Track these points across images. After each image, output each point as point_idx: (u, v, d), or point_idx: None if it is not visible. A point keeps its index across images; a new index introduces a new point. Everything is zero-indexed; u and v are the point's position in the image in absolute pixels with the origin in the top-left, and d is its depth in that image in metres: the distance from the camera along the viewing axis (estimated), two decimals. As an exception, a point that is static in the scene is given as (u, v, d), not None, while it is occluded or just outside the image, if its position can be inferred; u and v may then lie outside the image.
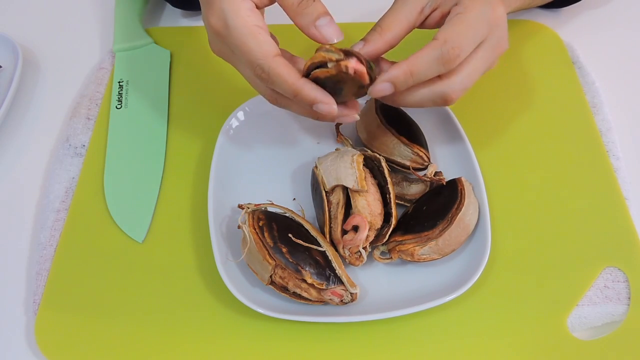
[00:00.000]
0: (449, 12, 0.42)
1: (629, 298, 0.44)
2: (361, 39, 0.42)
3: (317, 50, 0.39)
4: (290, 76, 0.39)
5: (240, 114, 0.53)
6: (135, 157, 0.53)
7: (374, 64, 0.41)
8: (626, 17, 0.63)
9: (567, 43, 0.59)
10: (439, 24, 0.42)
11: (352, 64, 0.38)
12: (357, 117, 0.42)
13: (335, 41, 0.39)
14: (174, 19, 0.66)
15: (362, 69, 0.38)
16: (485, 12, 0.41)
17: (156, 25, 0.66)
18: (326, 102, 0.39)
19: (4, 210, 0.52)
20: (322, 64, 0.38)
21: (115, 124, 0.55)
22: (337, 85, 0.39)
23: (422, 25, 0.43)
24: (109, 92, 0.58)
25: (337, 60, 0.38)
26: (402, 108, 0.50)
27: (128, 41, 0.61)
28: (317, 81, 0.39)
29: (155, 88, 0.58)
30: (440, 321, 0.43)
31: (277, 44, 0.42)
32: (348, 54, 0.38)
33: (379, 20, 0.42)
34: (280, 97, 0.42)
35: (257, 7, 0.41)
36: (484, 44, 0.41)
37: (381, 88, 0.40)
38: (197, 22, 0.62)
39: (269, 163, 0.51)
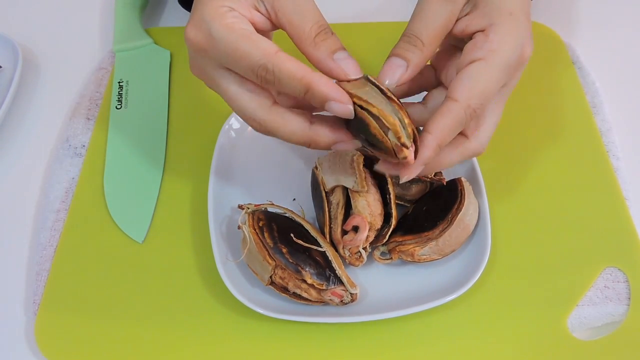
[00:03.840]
0: (472, 33, 0.36)
1: (629, 298, 0.44)
2: (395, 54, 0.36)
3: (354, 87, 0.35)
4: (299, 69, 0.34)
5: (240, 114, 0.53)
6: (135, 157, 0.53)
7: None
8: (626, 17, 0.63)
9: (567, 43, 0.59)
10: (459, 35, 0.37)
11: (411, 156, 0.34)
12: (358, 145, 0.37)
13: (355, 77, 0.36)
14: (174, 19, 0.66)
15: (412, 155, 0.34)
16: (511, 58, 0.36)
17: (156, 25, 0.65)
18: (341, 100, 0.34)
19: (4, 210, 0.52)
20: (379, 122, 0.34)
21: (115, 124, 0.55)
22: (371, 144, 0.35)
23: None
24: (109, 92, 0.58)
25: (401, 143, 0.34)
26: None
27: (128, 41, 0.61)
28: (360, 124, 0.35)
29: (155, 88, 0.58)
30: (440, 321, 0.43)
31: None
32: (415, 140, 0.34)
33: (413, 29, 0.36)
34: (269, 122, 0.37)
35: (256, 28, 0.36)
36: (506, 87, 0.38)
37: (415, 172, 0.36)
38: (197, 22, 0.62)
39: (269, 163, 0.51)
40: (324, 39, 0.36)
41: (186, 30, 0.36)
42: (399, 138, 0.34)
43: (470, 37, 0.37)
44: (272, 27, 0.37)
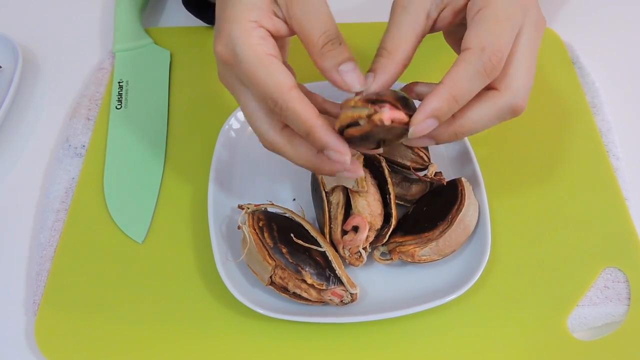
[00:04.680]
0: (463, 8, 0.36)
1: (629, 298, 0.44)
2: (369, 71, 0.37)
3: (341, 107, 0.35)
4: (304, 112, 0.35)
5: (240, 114, 0.52)
6: (135, 157, 0.53)
7: (406, 92, 0.37)
8: (626, 17, 0.63)
9: (567, 43, 0.59)
10: (453, 23, 0.38)
11: (387, 115, 0.33)
12: (362, 174, 0.39)
13: (358, 90, 0.36)
14: (174, 19, 0.66)
15: (400, 115, 0.33)
16: None
17: (156, 25, 0.65)
18: (339, 151, 0.35)
19: (4, 210, 0.52)
20: (354, 123, 0.34)
21: (115, 124, 0.55)
22: (376, 137, 0.36)
23: (431, 29, 0.38)
24: (109, 92, 0.58)
25: (369, 116, 0.34)
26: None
27: (128, 41, 0.61)
28: (353, 140, 0.35)
29: (155, 88, 0.58)
30: (440, 321, 0.43)
31: (294, 75, 0.38)
32: (377, 102, 0.34)
33: (381, 42, 0.37)
34: (277, 143, 0.38)
35: (273, 36, 0.37)
36: (524, 29, 0.36)
37: (425, 127, 0.34)
38: (197, 22, 0.62)
39: (269, 163, 0.51)
40: (330, 49, 0.36)
41: (214, 42, 0.37)
42: (359, 117, 0.34)
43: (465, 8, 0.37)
44: (290, 32, 0.38)
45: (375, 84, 0.36)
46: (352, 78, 0.36)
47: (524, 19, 0.36)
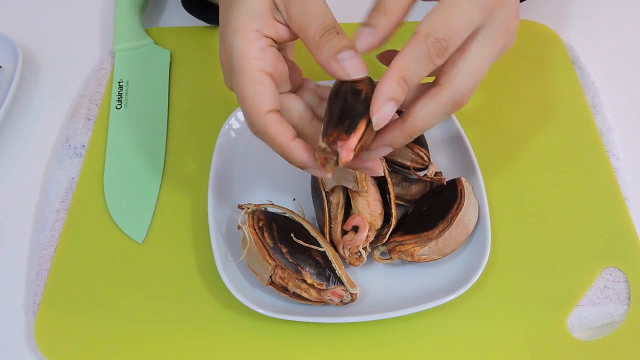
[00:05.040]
0: None
1: (629, 298, 0.44)
2: (364, 24, 0.36)
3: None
4: (278, 137, 0.36)
5: (240, 114, 0.53)
6: (135, 157, 0.53)
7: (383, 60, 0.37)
8: (626, 17, 0.63)
9: (567, 43, 0.59)
10: None
11: (344, 155, 0.34)
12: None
13: (360, 76, 0.35)
14: (174, 19, 0.66)
15: (353, 143, 0.34)
16: None
17: (156, 25, 0.66)
18: (316, 168, 0.37)
19: (4, 210, 0.52)
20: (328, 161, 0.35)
21: (115, 124, 0.55)
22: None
23: None
24: (109, 92, 0.58)
25: (335, 161, 0.34)
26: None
27: (128, 41, 0.61)
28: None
29: (155, 88, 0.58)
30: (440, 321, 0.43)
31: (300, 73, 0.38)
32: (334, 141, 0.34)
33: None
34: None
35: (277, 42, 0.37)
36: (483, 28, 0.36)
37: (386, 112, 0.34)
38: (197, 22, 0.62)
39: (269, 163, 0.51)
40: (327, 39, 0.35)
41: (220, 50, 0.38)
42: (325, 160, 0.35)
43: None
44: (292, 35, 0.37)
45: (376, 39, 0.35)
46: (350, 65, 0.35)
47: (486, 18, 0.36)
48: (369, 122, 0.34)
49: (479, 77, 0.37)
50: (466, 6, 0.35)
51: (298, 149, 0.36)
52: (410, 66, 0.34)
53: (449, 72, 0.36)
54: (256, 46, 0.36)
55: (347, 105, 0.35)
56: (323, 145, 0.34)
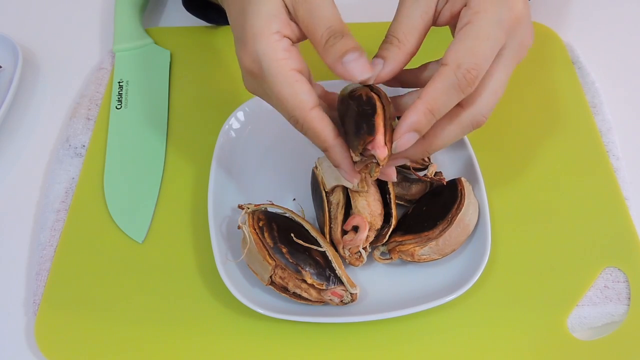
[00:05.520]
0: (458, 13, 0.37)
1: (629, 298, 0.44)
2: (376, 56, 0.37)
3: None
4: (323, 132, 0.37)
5: (240, 114, 0.53)
6: (135, 157, 0.53)
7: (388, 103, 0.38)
8: (626, 17, 0.63)
9: (567, 43, 0.59)
10: (449, 22, 0.39)
11: (380, 153, 0.35)
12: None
13: (365, 77, 0.36)
14: (174, 19, 0.66)
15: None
16: (500, 14, 0.35)
17: (156, 25, 0.66)
18: (348, 172, 0.38)
19: (4, 210, 0.52)
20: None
21: (115, 124, 0.55)
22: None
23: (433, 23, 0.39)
24: (109, 92, 0.58)
25: (374, 163, 0.36)
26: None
27: (128, 41, 0.61)
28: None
29: (155, 88, 0.58)
30: (440, 321, 0.43)
31: (310, 75, 0.39)
32: (366, 146, 0.35)
33: (391, 29, 0.38)
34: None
35: (294, 43, 0.37)
36: (504, 50, 0.37)
37: (406, 140, 0.35)
38: (197, 22, 0.62)
39: (269, 163, 0.51)
40: (332, 43, 0.36)
41: (240, 55, 0.38)
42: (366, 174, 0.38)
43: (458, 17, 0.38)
44: (304, 34, 0.38)
45: (385, 72, 0.37)
46: (355, 67, 0.35)
47: (507, 39, 0.36)
48: (383, 112, 0.36)
49: (499, 96, 0.38)
50: (491, 32, 0.35)
51: (339, 148, 0.37)
52: (440, 98, 0.35)
53: (472, 94, 0.37)
54: (281, 47, 0.36)
55: (355, 114, 0.37)
56: (357, 158, 0.36)
